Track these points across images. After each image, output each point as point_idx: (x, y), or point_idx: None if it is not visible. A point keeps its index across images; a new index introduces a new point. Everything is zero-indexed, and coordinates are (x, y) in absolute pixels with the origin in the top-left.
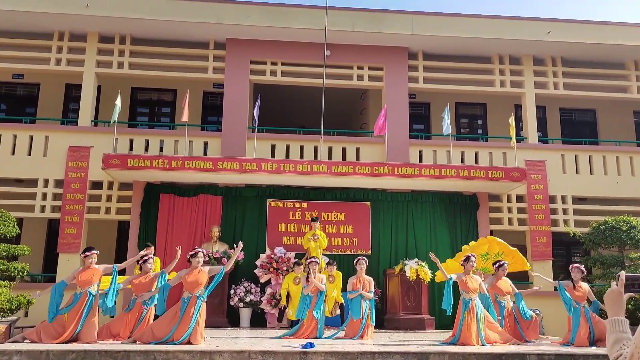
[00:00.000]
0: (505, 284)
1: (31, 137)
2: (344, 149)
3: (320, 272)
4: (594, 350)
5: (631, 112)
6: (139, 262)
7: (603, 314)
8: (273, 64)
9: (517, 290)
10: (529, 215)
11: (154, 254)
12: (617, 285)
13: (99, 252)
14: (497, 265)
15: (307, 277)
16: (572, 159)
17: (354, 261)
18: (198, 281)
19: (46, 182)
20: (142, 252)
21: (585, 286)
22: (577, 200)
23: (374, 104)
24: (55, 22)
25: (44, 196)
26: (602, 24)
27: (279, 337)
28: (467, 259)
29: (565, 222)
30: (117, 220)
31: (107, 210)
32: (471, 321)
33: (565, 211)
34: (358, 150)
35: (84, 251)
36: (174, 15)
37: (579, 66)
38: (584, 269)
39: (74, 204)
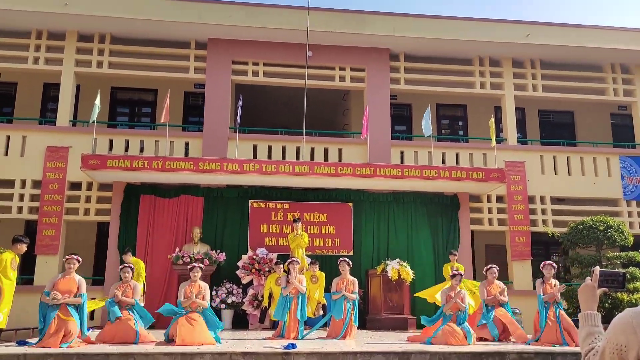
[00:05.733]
0: (495, 288)
1: (8, 137)
2: (326, 150)
3: (303, 271)
4: (572, 348)
5: (608, 114)
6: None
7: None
8: (255, 64)
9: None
10: (509, 216)
11: (134, 254)
12: (591, 280)
13: (81, 259)
14: (485, 269)
15: (287, 277)
16: (551, 160)
17: (338, 262)
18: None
19: (23, 182)
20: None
21: (555, 283)
22: (556, 200)
23: (356, 105)
24: (33, 20)
25: (21, 197)
26: (580, 27)
27: (264, 339)
28: (454, 276)
29: (544, 222)
30: (97, 221)
31: (86, 212)
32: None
33: (544, 211)
34: (340, 151)
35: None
36: (154, 14)
37: (557, 68)
38: (555, 266)
39: (52, 205)
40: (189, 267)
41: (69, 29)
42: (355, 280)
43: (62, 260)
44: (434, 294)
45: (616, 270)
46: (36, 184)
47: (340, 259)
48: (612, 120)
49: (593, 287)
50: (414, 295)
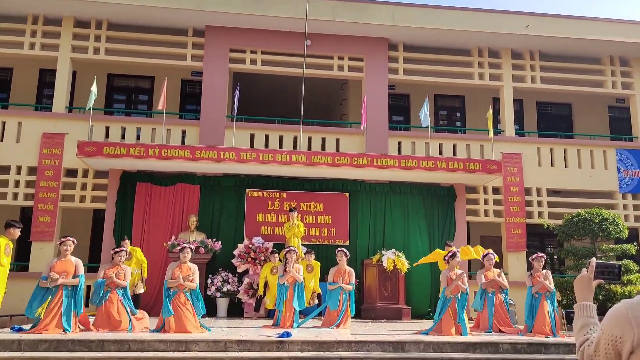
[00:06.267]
0: (492, 275)
1: (4, 123)
2: (323, 140)
3: (298, 261)
4: (565, 339)
5: (606, 107)
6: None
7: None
8: (253, 52)
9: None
10: (505, 207)
11: (131, 244)
12: (587, 271)
13: (76, 241)
14: (482, 256)
15: (285, 266)
16: (548, 152)
17: (336, 252)
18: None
19: (19, 169)
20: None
21: (545, 273)
22: (552, 192)
23: (354, 94)
24: (29, 5)
25: (17, 183)
26: (579, 18)
27: (259, 327)
28: (453, 255)
29: (540, 214)
30: (93, 208)
31: (82, 199)
32: (452, 313)
33: (540, 203)
34: (337, 140)
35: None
36: (152, 0)
37: (556, 60)
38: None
39: (47, 192)
40: (179, 247)
41: (65, 14)
42: (352, 270)
43: (57, 244)
44: (434, 259)
45: (612, 262)
46: (32, 170)
47: (338, 249)
48: (610, 113)
49: (589, 278)
50: (414, 265)
